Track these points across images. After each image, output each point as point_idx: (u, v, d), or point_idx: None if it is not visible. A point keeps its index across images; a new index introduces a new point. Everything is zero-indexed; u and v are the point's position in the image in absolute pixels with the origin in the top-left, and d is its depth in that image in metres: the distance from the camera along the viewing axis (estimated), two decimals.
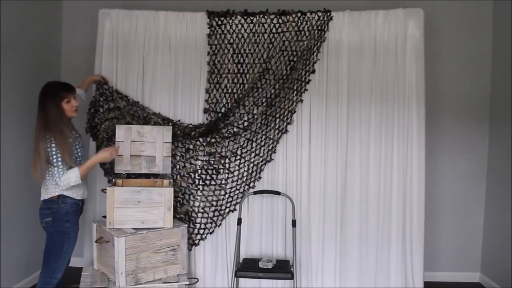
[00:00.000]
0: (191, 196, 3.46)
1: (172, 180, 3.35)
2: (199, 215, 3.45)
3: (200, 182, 3.44)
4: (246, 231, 3.48)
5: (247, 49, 3.47)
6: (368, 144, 3.43)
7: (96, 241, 3.13)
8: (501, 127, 3.72)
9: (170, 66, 3.51)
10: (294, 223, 3.29)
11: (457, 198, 3.97)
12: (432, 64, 3.80)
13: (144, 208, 3.03)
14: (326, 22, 3.40)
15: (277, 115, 3.43)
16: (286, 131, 3.44)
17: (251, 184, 3.47)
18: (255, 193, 3.35)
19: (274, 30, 3.45)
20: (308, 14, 3.41)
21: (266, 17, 3.45)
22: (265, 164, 3.46)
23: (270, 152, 3.45)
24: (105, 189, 3.08)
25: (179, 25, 3.50)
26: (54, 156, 2.65)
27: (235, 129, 3.43)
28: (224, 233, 3.49)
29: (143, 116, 3.45)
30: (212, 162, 3.44)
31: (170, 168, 3.34)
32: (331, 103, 3.44)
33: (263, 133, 3.44)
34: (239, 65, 3.47)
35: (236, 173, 3.45)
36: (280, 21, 3.43)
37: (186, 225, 3.23)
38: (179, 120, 3.49)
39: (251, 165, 3.45)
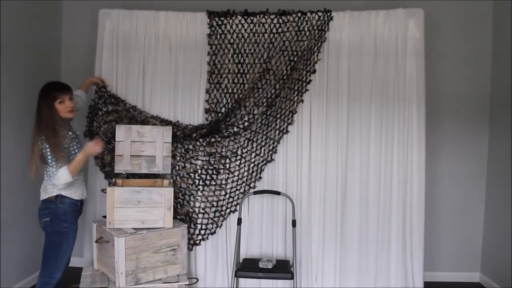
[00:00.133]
0: (191, 197, 3.45)
1: (172, 180, 3.35)
2: (200, 216, 3.45)
3: (200, 183, 3.44)
4: (246, 231, 3.47)
5: (248, 49, 3.46)
6: (369, 144, 3.43)
7: (96, 241, 3.13)
8: (501, 127, 3.72)
9: (170, 66, 3.51)
10: (294, 223, 3.28)
11: (457, 198, 3.97)
12: (432, 64, 3.80)
13: (144, 208, 3.02)
14: (327, 22, 3.40)
15: (278, 115, 3.43)
16: (287, 131, 3.44)
17: (252, 184, 3.47)
18: (255, 193, 3.34)
19: (274, 30, 3.44)
20: (309, 14, 3.41)
21: (266, 17, 3.45)
22: (265, 164, 3.46)
23: (270, 152, 3.45)
24: (105, 189, 3.08)
25: (179, 25, 3.50)
26: (49, 156, 2.65)
27: (235, 129, 3.43)
28: (224, 233, 3.49)
29: (141, 119, 3.44)
30: (212, 162, 3.44)
31: (170, 168, 3.34)
32: (331, 103, 3.44)
33: (264, 133, 3.44)
34: (239, 65, 3.47)
35: (236, 173, 3.45)
36: (281, 21, 3.43)
37: (186, 225, 3.23)
38: (178, 121, 3.49)
39: (252, 165, 3.45)
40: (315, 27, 3.40)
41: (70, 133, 2.81)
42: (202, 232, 3.46)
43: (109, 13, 3.51)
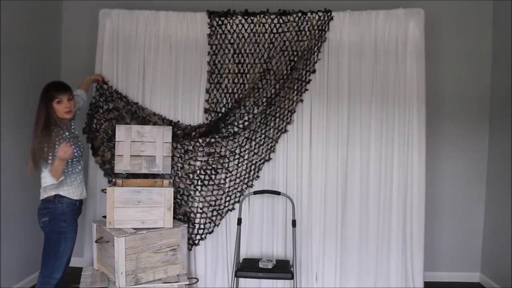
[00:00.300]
0: (189, 197, 3.45)
1: (172, 180, 3.35)
2: (198, 215, 3.45)
3: (199, 183, 3.44)
4: (247, 231, 3.47)
5: (248, 49, 3.46)
6: (369, 144, 3.43)
7: (96, 241, 3.13)
8: (501, 127, 3.72)
9: (170, 66, 3.51)
10: (294, 223, 3.28)
11: (457, 198, 3.97)
12: (432, 64, 3.80)
13: (144, 208, 3.02)
14: (327, 22, 3.40)
15: (277, 115, 3.43)
16: (286, 130, 3.44)
17: (249, 183, 3.47)
18: (255, 193, 3.34)
19: (274, 30, 3.44)
20: (309, 14, 3.41)
21: (266, 17, 3.44)
22: (263, 163, 3.46)
23: (269, 152, 3.45)
24: (105, 189, 3.08)
25: (180, 25, 3.50)
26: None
27: (235, 129, 3.43)
28: (224, 233, 3.49)
29: (142, 116, 3.44)
30: (211, 162, 3.44)
31: (170, 168, 3.34)
32: (331, 103, 3.44)
33: (263, 132, 3.44)
34: (239, 65, 3.47)
35: (234, 172, 3.45)
36: (281, 21, 3.43)
37: (186, 225, 3.23)
38: (178, 121, 3.49)
39: (250, 164, 3.45)
40: (316, 27, 3.40)
41: (67, 133, 2.79)
42: (200, 231, 3.46)
43: (109, 13, 3.51)
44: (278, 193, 3.32)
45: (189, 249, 3.45)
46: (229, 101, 3.47)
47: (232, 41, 3.47)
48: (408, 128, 3.40)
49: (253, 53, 3.46)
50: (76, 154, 2.79)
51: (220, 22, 3.48)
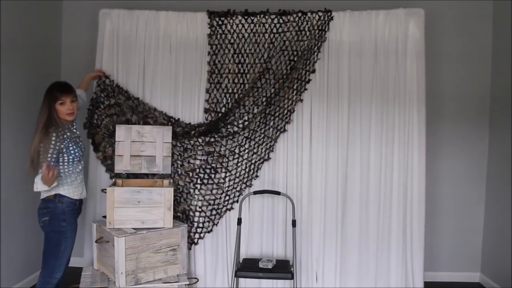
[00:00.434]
0: (189, 195, 3.46)
1: (172, 180, 3.35)
2: (197, 214, 3.45)
3: (198, 181, 3.45)
4: (247, 231, 3.47)
5: (248, 49, 3.46)
6: (369, 144, 3.43)
7: (96, 241, 3.13)
8: (501, 127, 3.72)
9: (170, 66, 3.51)
10: (294, 223, 3.28)
11: (457, 198, 3.97)
12: (433, 64, 3.80)
13: (144, 208, 3.02)
14: (327, 22, 3.40)
15: (276, 114, 3.43)
16: (285, 130, 3.44)
17: (248, 183, 3.47)
18: (255, 193, 3.34)
19: (274, 30, 3.44)
20: (309, 14, 3.41)
21: (266, 17, 3.44)
22: (262, 162, 3.46)
23: (268, 151, 3.45)
24: (105, 189, 3.08)
25: (180, 25, 3.50)
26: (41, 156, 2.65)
27: (234, 128, 3.43)
28: (224, 233, 3.49)
29: (143, 111, 3.44)
30: (210, 161, 3.44)
31: (170, 168, 3.34)
32: (331, 103, 3.44)
33: (262, 131, 3.44)
34: (239, 65, 3.47)
35: (234, 171, 3.45)
36: (281, 21, 3.43)
37: (186, 225, 3.23)
38: (178, 119, 3.49)
39: (249, 163, 3.45)
40: (316, 27, 3.40)
41: (68, 133, 2.78)
42: (199, 230, 3.46)
43: (109, 13, 3.51)
44: (278, 193, 3.32)
45: (189, 248, 3.45)
46: (229, 101, 3.47)
47: (232, 41, 3.47)
48: (408, 128, 3.40)
49: (253, 53, 3.46)
50: (77, 154, 2.79)
51: (220, 22, 3.48)
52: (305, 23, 3.41)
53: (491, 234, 3.86)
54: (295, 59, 3.40)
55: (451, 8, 3.92)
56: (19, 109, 3.43)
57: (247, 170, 3.46)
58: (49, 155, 2.64)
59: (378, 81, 3.42)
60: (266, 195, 3.44)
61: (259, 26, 3.45)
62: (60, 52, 4.09)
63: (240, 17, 3.45)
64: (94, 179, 3.50)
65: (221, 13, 3.47)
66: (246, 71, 3.46)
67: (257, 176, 3.47)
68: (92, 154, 3.48)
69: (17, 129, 3.41)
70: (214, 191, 3.45)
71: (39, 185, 2.65)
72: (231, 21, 3.46)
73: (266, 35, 3.45)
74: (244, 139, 3.44)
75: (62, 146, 2.72)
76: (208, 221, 3.47)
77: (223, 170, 3.45)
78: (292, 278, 3.10)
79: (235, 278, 3.19)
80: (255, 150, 3.45)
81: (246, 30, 3.47)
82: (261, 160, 3.46)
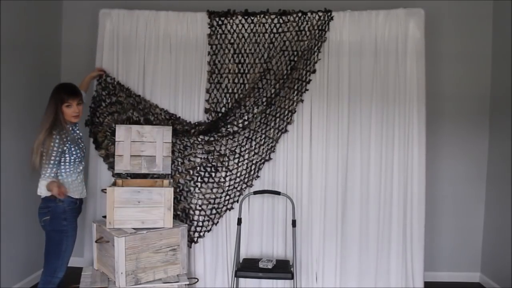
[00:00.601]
0: (189, 193, 3.46)
1: (172, 180, 3.35)
2: (197, 212, 3.46)
3: (198, 180, 3.45)
4: (247, 231, 3.48)
5: (248, 49, 3.46)
6: (369, 144, 3.43)
7: (96, 241, 3.13)
8: (501, 127, 3.72)
9: (170, 66, 3.51)
10: (294, 223, 3.28)
11: (457, 198, 3.97)
12: (433, 64, 3.80)
13: (144, 208, 3.02)
14: (327, 22, 3.40)
15: (277, 115, 3.43)
16: (286, 130, 3.44)
17: (249, 183, 3.47)
18: (255, 193, 3.34)
19: (274, 30, 3.44)
20: (309, 14, 3.41)
21: (266, 17, 3.45)
22: (263, 163, 3.46)
23: (269, 152, 3.45)
24: (105, 189, 3.08)
25: (180, 25, 3.50)
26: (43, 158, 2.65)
27: (234, 128, 3.43)
28: (224, 233, 3.49)
29: (144, 108, 3.44)
30: (210, 160, 3.44)
31: (170, 168, 3.34)
32: (331, 103, 3.44)
33: (263, 132, 3.44)
34: (239, 65, 3.47)
35: (234, 171, 3.45)
36: (281, 21, 3.43)
37: (186, 225, 3.23)
38: (179, 117, 3.49)
39: (250, 164, 3.45)
40: (316, 27, 3.40)
41: (71, 135, 2.79)
42: (199, 229, 3.46)
43: (109, 13, 3.51)
44: (278, 193, 3.32)
45: (189, 246, 3.45)
46: (229, 101, 3.47)
47: (232, 41, 3.47)
48: (408, 128, 3.40)
49: (253, 53, 3.46)
50: (78, 155, 2.82)
51: (220, 22, 3.48)
52: (305, 23, 3.41)
53: (491, 234, 3.86)
54: (295, 59, 3.40)
55: (451, 8, 3.92)
56: (19, 109, 3.43)
57: (248, 170, 3.46)
58: (52, 158, 2.65)
59: (378, 81, 3.42)
60: (266, 195, 3.44)
61: (259, 26, 3.46)
62: (60, 52, 4.09)
63: (240, 17, 3.45)
64: (94, 179, 3.50)
65: (221, 13, 3.47)
66: (246, 71, 3.47)
67: (258, 176, 3.47)
68: (92, 154, 3.48)
69: (17, 129, 3.41)
70: (214, 190, 3.46)
71: (43, 191, 2.67)
72: (231, 21, 3.47)
73: (266, 35, 3.45)
74: (245, 139, 3.45)
75: (65, 148, 2.73)
76: (208, 220, 3.47)
77: (224, 169, 3.45)
78: (292, 278, 3.10)
79: (235, 278, 3.19)
80: (256, 151, 3.45)
81: (246, 30, 3.47)
82: (262, 160, 3.46)
